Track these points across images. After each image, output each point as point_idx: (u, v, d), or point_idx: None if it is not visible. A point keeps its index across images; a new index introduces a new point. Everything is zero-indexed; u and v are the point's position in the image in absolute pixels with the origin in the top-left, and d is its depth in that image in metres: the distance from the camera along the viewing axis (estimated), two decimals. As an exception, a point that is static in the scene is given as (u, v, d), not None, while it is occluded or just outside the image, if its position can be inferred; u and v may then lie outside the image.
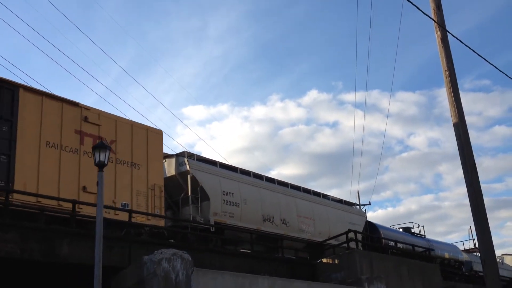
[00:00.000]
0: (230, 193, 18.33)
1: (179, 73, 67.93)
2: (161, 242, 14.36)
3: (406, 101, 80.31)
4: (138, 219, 14.95)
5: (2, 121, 12.73)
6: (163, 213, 15.96)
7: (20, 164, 12.78)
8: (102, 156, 11.39)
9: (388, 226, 30.95)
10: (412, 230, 32.92)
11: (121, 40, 68.13)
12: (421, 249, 26.48)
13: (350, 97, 72.56)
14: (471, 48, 13.77)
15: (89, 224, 13.32)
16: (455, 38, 13.83)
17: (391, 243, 25.21)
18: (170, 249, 12.61)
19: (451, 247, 35.96)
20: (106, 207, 13.44)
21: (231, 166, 19.88)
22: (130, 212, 14.43)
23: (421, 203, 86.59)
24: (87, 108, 14.94)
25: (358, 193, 35.80)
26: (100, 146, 11.48)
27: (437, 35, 14.08)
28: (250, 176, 20.20)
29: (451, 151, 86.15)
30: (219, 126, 74.00)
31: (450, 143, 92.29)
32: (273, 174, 78.61)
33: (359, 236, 20.81)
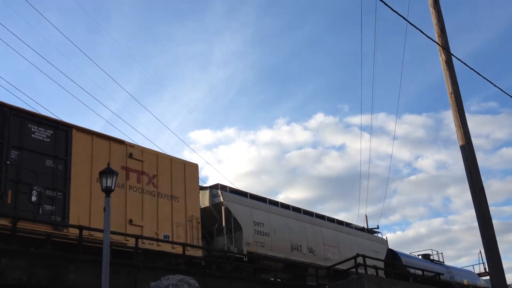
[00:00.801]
0: (260, 223, 19.18)
1: (185, 97, 69.31)
2: (168, 267, 14.50)
3: (413, 123, 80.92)
4: (178, 249, 15.81)
5: (58, 160, 13.77)
6: (200, 244, 16.82)
7: (74, 199, 13.77)
8: (110, 182, 11.47)
9: (403, 251, 31.53)
10: (431, 257, 33.48)
11: (127, 65, 69.91)
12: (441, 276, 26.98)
13: (356, 120, 73.42)
14: (476, 71, 13.91)
15: (131, 254, 14.21)
16: (460, 61, 13.83)
17: (412, 270, 25.82)
18: (177, 275, 12.86)
19: (469, 273, 36.32)
20: (140, 237, 14.41)
21: (260, 196, 20.75)
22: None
23: (430, 227, 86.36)
24: (132, 145, 15.98)
25: (366, 216, 35.43)
26: (107, 171, 11.51)
27: (441, 58, 14.00)
28: (278, 206, 21.07)
29: (459, 174, 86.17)
30: (226, 150, 75.13)
31: (458, 165, 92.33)
32: (281, 197, 79.06)
33: (373, 262, 21.17)
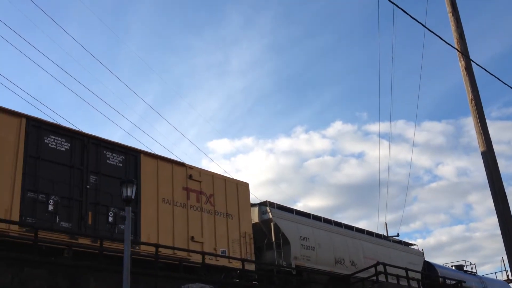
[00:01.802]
0: (306, 238, 20.27)
1: (203, 107, 70.41)
2: (186, 276, 14.63)
3: (432, 130, 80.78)
4: (234, 264, 17.02)
5: (129, 183, 15.09)
6: (253, 258, 17.99)
7: (144, 219, 15.08)
8: (130, 191, 11.68)
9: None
10: (464, 268, 34.10)
11: (146, 76, 71.35)
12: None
13: (375, 127, 73.78)
14: (496, 76, 13.86)
15: (196, 269, 15.44)
16: (480, 67, 13.69)
17: (448, 281, 26.61)
18: (197, 284, 13.00)
19: (502, 284, 36.77)
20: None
21: (304, 212, 21.84)
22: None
23: (452, 234, 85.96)
24: (191, 167, 17.26)
25: (386, 224, 35.48)
26: (128, 181, 11.81)
27: (460, 64, 13.83)
28: (321, 221, 22.14)
29: (480, 181, 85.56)
30: (244, 159, 75.42)
31: (480, 172, 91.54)
32: (299, 206, 79.68)
33: (397, 271, 21.70)
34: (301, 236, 20.09)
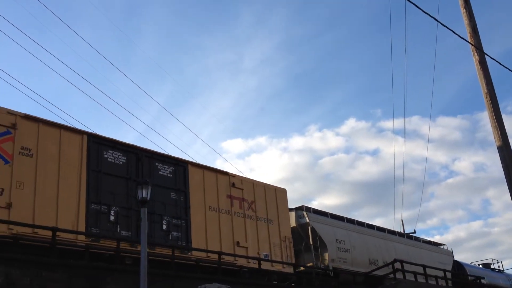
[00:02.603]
0: (342, 240, 21.06)
1: (216, 106, 70.59)
2: (203, 276, 14.70)
3: (448, 126, 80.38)
4: (276, 267, 17.88)
5: (179, 192, 16.07)
6: (293, 261, 18.84)
7: (194, 226, 16.00)
8: (145, 193, 11.81)
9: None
10: (492, 266, 34.60)
11: (158, 76, 71.72)
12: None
13: (390, 124, 73.82)
14: (511, 69, 13.90)
15: (239, 272, 16.31)
16: (494, 60, 13.64)
17: (478, 280, 27.21)
18: (214, 284, 13.03)
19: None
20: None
21: (338, 215, 22.62)
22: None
23: (470, 230, 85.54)
24: (233, 176, 18.16)
25: (402, 221, 35.42)
26: (143, 182, 11.94)
27: (474, 58, 13.74)
28: (355, 224, 22.90)
29: (498, 176, 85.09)
30: (258, 158, 75.58)
31: (497, 167, 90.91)
32: (315, 204, 79.69)
33: (409, 267, 21.80)
34: (337, 239, 20.88)
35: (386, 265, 21.33)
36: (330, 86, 76.74)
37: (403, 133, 74.57)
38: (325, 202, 76.99)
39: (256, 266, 17.10)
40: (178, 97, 72.37)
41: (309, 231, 20.11)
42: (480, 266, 34.36)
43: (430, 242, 27.61)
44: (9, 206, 12.05)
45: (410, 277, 21.70)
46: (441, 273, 24.08)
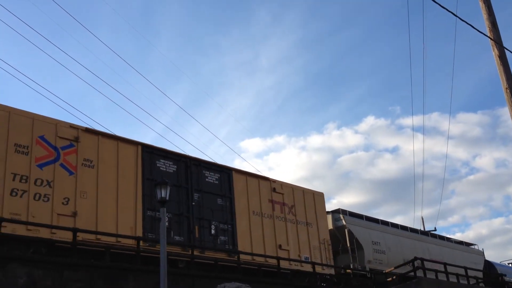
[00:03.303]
0: (377, 242, 21.64)
1: (234, 106, 70.71)
2: (223, 275, 14.74)
3: (468, 122, 79.52)
4: (317, 269, 18.53)
5: (225, 198, 16.83)
6: (332, 263, 19.48)
7: (239, 230, 16.75)
8: (164, 193, 11.93)
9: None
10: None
11: (176, 77, 71.98)
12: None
13: (409, 121, 72.94)
14: None
15: (280, 274, 16.99)
16: None
17: (507, 278, 27.50)
18: (233, 283, 13.15)
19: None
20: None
21: (373, 218, 23.19)
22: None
23: (492, 227, 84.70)
24: (274, 181, 18.86)
25: (422, 219, 35.92)
26: (162, 183, 12.06)
27: (494, 53, 13.57)
28: (389, 225, 23.44)
29: None
30: (277, 157, 75.47)
31: None
32: (334, 203, 79.38)
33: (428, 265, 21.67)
34: (372, 241, 21.46)
35: (407, 263, 21.25)
36: (348, 83, 76.40)
37: (422, 130, 74.10)
38: (344, 200, 76.94)
39: (298, 268, 17.80)
40: (196, 97, 72.72)
41: (346, 233, 20.74)
42: (510, 265, 34.63)
43: (461, 243, 27.98)
44: (74, 214, 12.93)
45: (441, 276, 21.99)
46: (474, 273, 24.43)
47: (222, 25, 69.85)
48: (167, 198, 11.97)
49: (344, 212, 21.51)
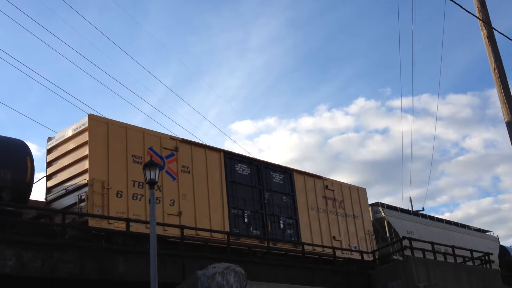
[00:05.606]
0: (411, 231, 24.06)
1: (224, 86, 70.34)
2: (213, 256, 14.74)
3: (458, 103, 79.72)
4: (365, 257, 20.91)
5: (289, 196, 19.09)
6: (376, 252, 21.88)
7: (301, 224, 19.06)
8: (153, 174, 11.45)
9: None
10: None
11: (165, 57, 71.02)
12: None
13: (399, 102, 73.18)
14: None
15: (332, 261, 19.33)
16: (502, 35, 13.41)
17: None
18: (223, 263, 13.05)
19: None
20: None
21: (405, 209, 25.61)
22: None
23: (480, 207, 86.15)
24: (325, 179, 21.14)
25: (411, 199, 37.96)
26: (151, 164, 11.57)
27: (483, 33, 13.57)
28: (419, 216, 25.88)
29: (508, 152, 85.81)
30: (268, 139, 75.27)
31: (508, 143, 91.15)
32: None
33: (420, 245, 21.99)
34: (407, 230, 23.88)
35: (396, 242, 22.09)
36: (338, 64, 75.73)
37: (411, 111, 75.41)
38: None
39: (349, 256, 20.19)
40: (185, 78, 71.54)
41: (385, 224, 23.12)
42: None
43: (479, 230, 30.54)
44: (179, 214, 15.17)
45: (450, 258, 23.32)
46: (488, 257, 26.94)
47: (212, 4, 68.33)
48: (157, 179, 11.54)
49: (382, 205, 23.86)
